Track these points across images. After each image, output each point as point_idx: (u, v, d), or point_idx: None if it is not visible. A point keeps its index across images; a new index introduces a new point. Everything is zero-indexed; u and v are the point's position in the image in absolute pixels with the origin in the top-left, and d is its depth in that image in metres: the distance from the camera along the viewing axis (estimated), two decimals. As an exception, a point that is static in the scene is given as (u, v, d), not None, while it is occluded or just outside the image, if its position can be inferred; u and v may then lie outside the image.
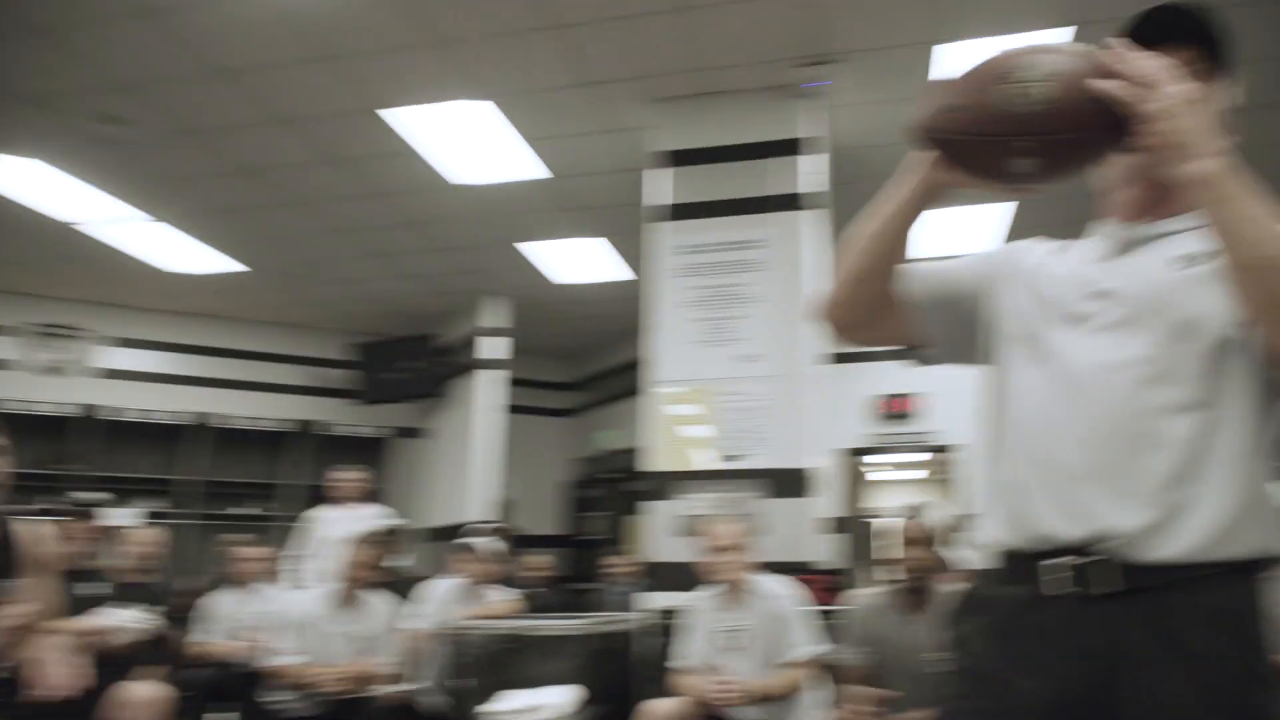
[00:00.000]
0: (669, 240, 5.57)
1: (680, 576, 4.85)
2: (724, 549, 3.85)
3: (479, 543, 5.32)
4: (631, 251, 7.61)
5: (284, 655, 4.37)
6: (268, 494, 9.47)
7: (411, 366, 9.43)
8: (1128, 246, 1.48)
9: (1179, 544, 1.28)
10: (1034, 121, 1.28)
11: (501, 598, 5.28)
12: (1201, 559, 1.28)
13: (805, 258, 5.39)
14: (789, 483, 5.13)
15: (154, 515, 8.60)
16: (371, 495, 9.54)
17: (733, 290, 5.40)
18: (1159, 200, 1.46)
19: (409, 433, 9.98)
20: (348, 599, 4.51)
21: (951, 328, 1.61)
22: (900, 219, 1.51)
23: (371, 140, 5.92)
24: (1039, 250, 1.60)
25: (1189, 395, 1.33)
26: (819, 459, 5.33)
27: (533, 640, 4.51)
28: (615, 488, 10.19)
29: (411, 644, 5.04)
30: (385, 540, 6.09)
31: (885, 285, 1.56)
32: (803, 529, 5.04)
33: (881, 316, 1.60)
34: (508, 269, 8.23)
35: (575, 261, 8.08)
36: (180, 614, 6.49)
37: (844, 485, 8.44)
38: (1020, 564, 1.38)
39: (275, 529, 9.26)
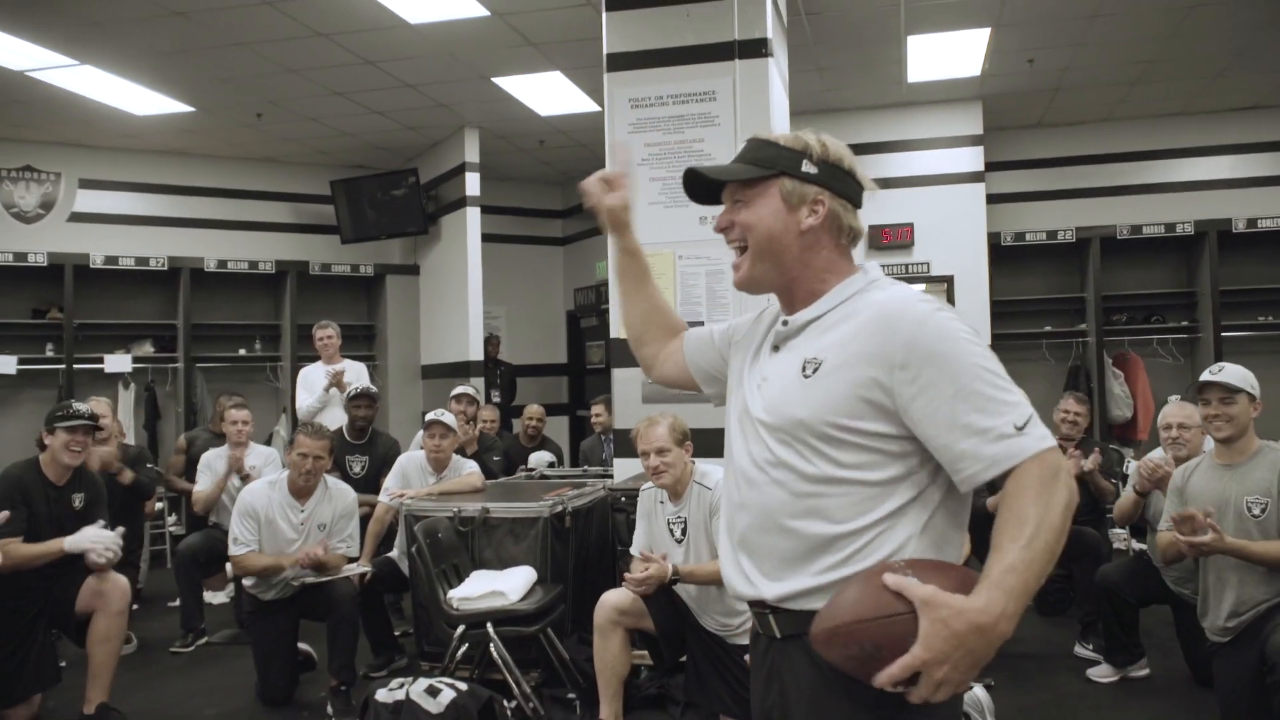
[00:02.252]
0: (619, 92, 5.21)
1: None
2: (655, 452, 3.75)
3: (445, 416, 5.27)
4: (591, 84, 7.40)
5: (239, 546, 4.41)
6: (257, 335, 9.41)
7: (393, 201, 9.17)
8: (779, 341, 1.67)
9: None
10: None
11: (467, 471, 5.27)
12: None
13: (761, 108, 5.02)
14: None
15: (141, 361, 8.69)
16: (368, 338, 9.66)
17: (690, 148, 5.08)
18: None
19: (401, 270, 9.83)
20: (303, 488, 4.50)
21: (712, 382, 1.95)
22: (623, 273, 2.05)
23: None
24: (763, 324, 1.77)
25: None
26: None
27: (491, 522, 4.52)
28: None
29: (377, 520, 5.11)
30: (364, 406, 6.09)
31: (655, 321, 2.04)
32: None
33: (666, 364, 2.02)
34: (486, 102, 7.98)
35: (552, 94, 7.74)
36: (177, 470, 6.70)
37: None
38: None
39: (266, 371, 9.38)
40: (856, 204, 1.67)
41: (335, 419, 6.33)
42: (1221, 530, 3.34)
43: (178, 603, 5.73)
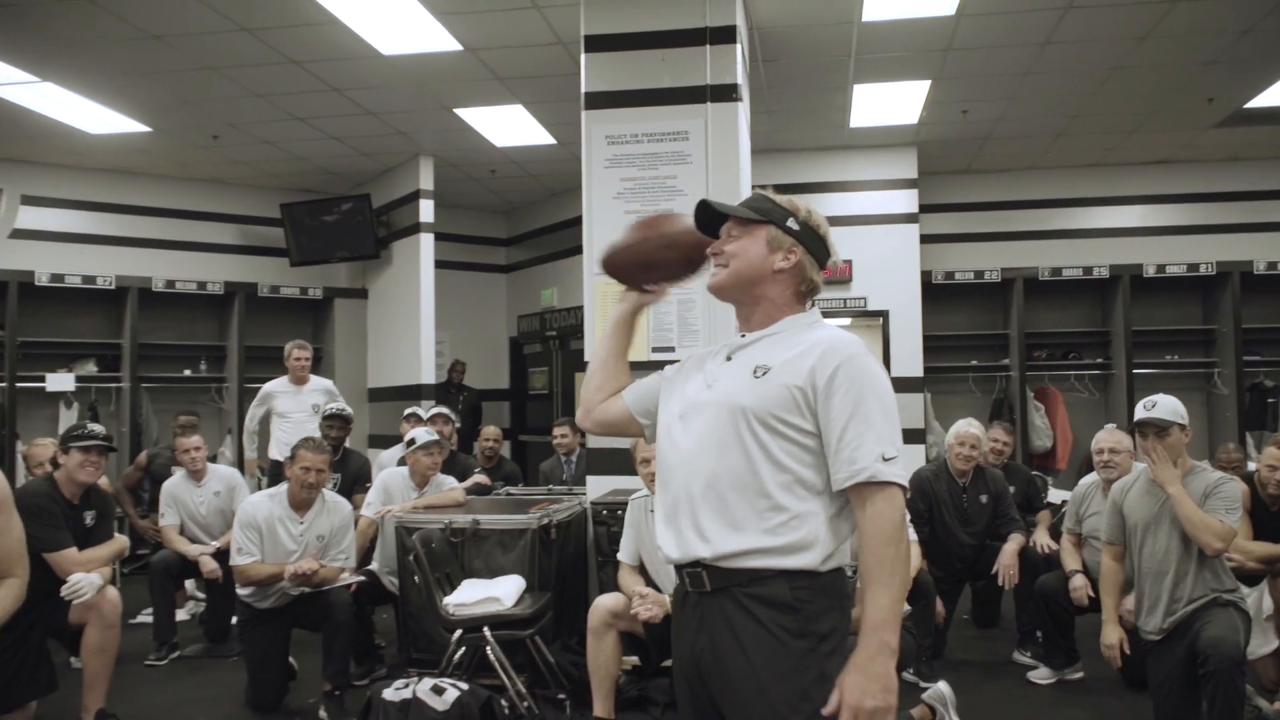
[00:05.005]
0: (596, 129, 5.51)
1: (620, 462, 5.09)
2: (651, 460, 4.00)
3: (426, 434, 5.44)
4: (550, 118, 7.78)
5: (243, 556, 4.52)
6: (203, 356, 9.43)
7: (343, 226, 9.30)
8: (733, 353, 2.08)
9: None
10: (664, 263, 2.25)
11: (448, 486, 5.45)
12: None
13: (731, 148, 5.38)
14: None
15: (84, 381, 8.63)
16: (315, 360, 9.70)
17: (663, 183, 5.40)
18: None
19: (349, 293, 9.92)
20: (303, 501, 4.63)
21: (649, 415, 2.25)
22: (617, 335, 2.34)
23: (285, 9, 5.73)
24: (700, 355, 2.20)
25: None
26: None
27: (481, 534, 4.72)
28: (558, 343, 10.35)
29: (361, 534, 5.24)
30: (337, 427, 6.23)
31: (616, 386, 2.32)
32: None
33: (608, 409, 2.31)
34: (444, 132, 8.21)
35: (510, 126, 8.00)
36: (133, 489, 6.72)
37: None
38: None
39: (211, 391, 9.38)
40: (822, 264, 2.10)
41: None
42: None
43: (142, 617, 5.72)
